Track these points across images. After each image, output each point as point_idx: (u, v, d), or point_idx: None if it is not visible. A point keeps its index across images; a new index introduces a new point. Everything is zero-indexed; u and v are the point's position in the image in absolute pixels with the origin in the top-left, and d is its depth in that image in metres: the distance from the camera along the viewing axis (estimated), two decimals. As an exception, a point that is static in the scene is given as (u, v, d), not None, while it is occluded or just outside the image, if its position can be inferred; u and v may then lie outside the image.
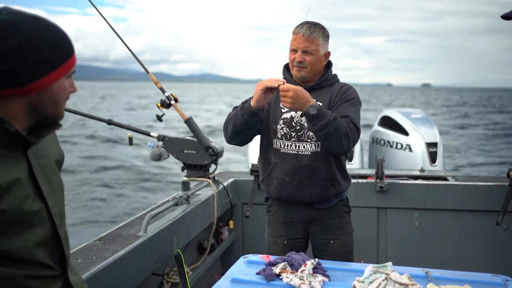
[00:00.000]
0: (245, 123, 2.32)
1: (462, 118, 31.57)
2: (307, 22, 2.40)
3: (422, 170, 4.49)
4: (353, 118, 2.31)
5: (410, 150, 4.90)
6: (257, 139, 2.56)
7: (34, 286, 1.23)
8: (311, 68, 2.39)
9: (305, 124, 2.36)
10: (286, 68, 2.52)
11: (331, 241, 2.46)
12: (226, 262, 3.89)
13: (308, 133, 2.37)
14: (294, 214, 2.48)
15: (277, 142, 2.41)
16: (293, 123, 2.39)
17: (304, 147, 2.37)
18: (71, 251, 2.21)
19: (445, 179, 4.07)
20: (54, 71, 1.19)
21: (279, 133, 2.41)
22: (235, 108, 2.47)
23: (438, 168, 4.72)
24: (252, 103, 2.27)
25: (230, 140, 2.45)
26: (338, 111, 2.33)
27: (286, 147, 2.39)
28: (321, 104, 2.33)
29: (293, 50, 2.40)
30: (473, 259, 3.69)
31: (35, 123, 1.24)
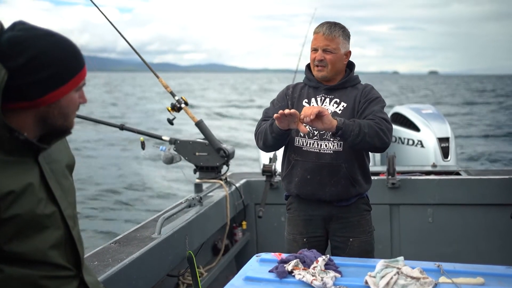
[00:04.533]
0: (275, 140, 2.36)
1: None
2: (327, 22, 2.43)
3: (434, 165, 4.47)
4: (377, 111, 2.32)
5: (422, 146, 4.88)
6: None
7: (50, 286, 1.27)
8: (332, 66, 2.40)
9: None
10: (308, 67, 2.53)
11: (351, 239, 2.45)
12: (240, 263, 3.91)
13: (330, 132, 2.35)
14: (313, 211, 2.48)
15: (299, 140, 2.43)
16: None
17: (326, 145, 2.38)
18: (87, 254, 2.26)
19: (457, 173, 4.05)
20: (63, 85, 1.23)
21: None
22: (265, 112, 2.50)
23: (450, 163, 4.70)
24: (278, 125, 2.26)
25: (263, 150, 2.53)
26: (366, 112, 2.35)
27: (308, 145, 2.41)
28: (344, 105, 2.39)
29: (314, 49, 2.42)
30: (488, 254, 3.66)
31: (45, 132, 1.28)
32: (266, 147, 2.46)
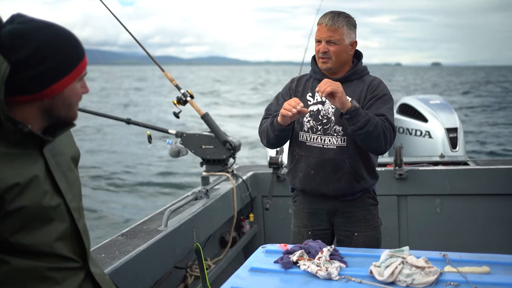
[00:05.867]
0: (277, 137, 2.38)
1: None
2: (331, 12, 2.35)
3: (442, 156, 4.45)
4: (388, 117, 2.29)
5: (430, 137, 4.85)
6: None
7: (57, 278, 1.28)
8: (336, 58, 2.34)
9: (332, 117, 2.35)
10: (314, 59, 2.46)
11: (355, 234, 2.43)
12: (248, 255, 3.88)
13: (334, 127, 2.34)
14: (318, 205, 2.47)
15: (304, 135, 2.41)
16: (319, 116, 2.37)
17: (329, 140, 2.36)
18: (94, 247, 2.28)
19: (465, 163, 4.03)
20: (66, 76, 1.23)
21: (305, 125, 2.40)
22: (267, 109, 2.50)
23: (459, 153, 4.67)
24: (279, 121, 2.29)
25: (268, 147, 2.56)
26: (372, 110, 2.29)
27: (312, 140, 2.39)
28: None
29: (318, 41, 2.36)
30: (497, 244, 3.64)
31: (49, 124, 1.29)
32: (271, 145, 2.47)
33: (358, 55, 2.46)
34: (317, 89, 2.20)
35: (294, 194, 2.59)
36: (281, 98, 2.50)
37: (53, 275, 1.28)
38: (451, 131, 4.75)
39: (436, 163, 4.10)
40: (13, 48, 1.16)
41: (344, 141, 2.34)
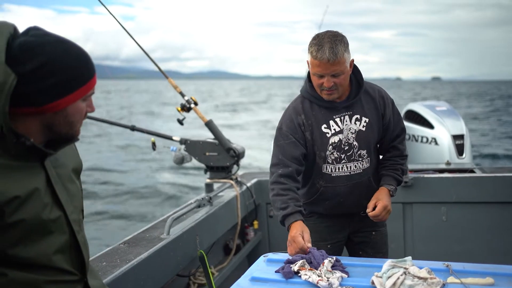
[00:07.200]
0: None
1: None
2: (326, 42, 2.11)
3: (448, 163, 4.40)
4: (403, 135, 2.45)
5: (436, 144, 4.81)
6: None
7: None
8: (342, 87, 2.21)
9: (354, 143, 2.28)
10: (310, 82, 2.28)
11: (373, 233, 2.45)
12: (252, 262, 3.89)
13: (358, 152, 2.29)
14: (339, 219, 2.43)
15: (328, 167, 2.30)
16: (341, 145, 2.28)
17: (355, 166, 2.30)
18: (96, 255, 2.28)
19: (472, 171, 3.99)
20: (70, 94, 1.22)
21: (329, 158, 2.29)
22: (280, 152, 2.27)
23: (465, 160, 4.62)
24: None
25: None
26: (395, 128, 2.40)
27: (337, 170, 2.30)
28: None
29: (320, 76, 2.16)
30: (503, 253, 3.60)
31: (51, 138, 1.28)
32: None
33: (356, 72, 2.32)
34: (375, 218, 2.26)
35: (308, 211, 2.43)
36: (291, 137, 2.26)
37: None
38: (457, 138, 4.71)
39: (442, 171, 4.06)
40: (22, 60, 1.16)
41: (368, 162, 2.33)
